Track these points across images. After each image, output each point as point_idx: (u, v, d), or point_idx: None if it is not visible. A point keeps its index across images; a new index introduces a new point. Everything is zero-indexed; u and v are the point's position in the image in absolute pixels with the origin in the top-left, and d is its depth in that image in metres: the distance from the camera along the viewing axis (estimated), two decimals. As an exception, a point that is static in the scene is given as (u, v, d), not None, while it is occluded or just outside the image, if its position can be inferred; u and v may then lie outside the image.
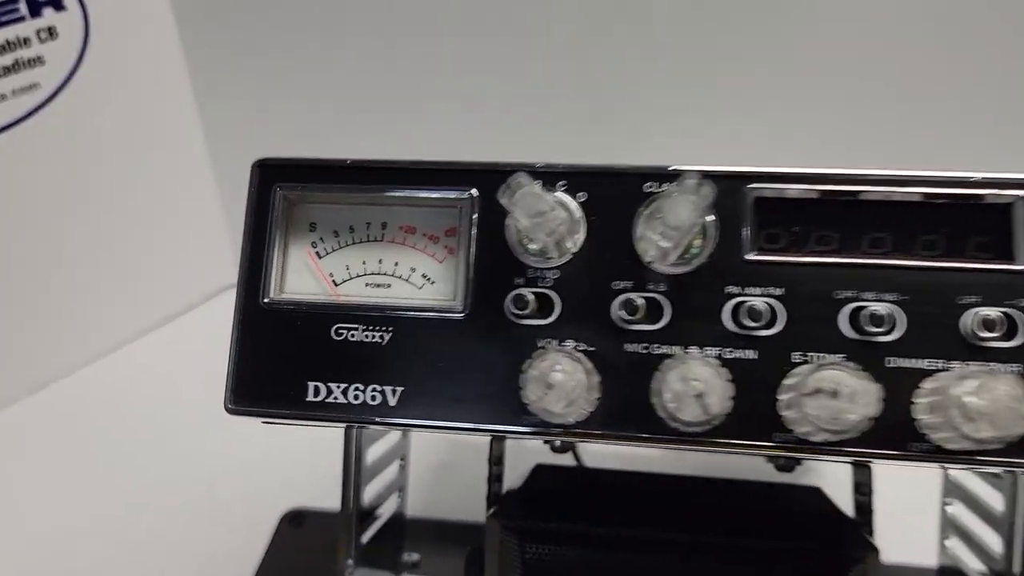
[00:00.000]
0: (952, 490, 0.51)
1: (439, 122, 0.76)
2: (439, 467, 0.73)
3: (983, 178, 0.30)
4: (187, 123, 0.85)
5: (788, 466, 0.46)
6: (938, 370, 0.29)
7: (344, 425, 0.33)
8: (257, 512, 0.69)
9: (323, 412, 0.32)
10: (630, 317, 0.31)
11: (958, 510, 0.51)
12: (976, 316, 0.29)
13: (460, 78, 0.72)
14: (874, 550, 0.41)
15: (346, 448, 0.45)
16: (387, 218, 0.34)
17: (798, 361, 0.30)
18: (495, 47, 0.71)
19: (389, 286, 0.34)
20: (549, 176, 0.32)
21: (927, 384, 0.29)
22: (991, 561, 0.45)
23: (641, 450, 0.60)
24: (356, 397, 0.32)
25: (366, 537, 0.51)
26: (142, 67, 0.78)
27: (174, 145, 0.85)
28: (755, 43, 0.68)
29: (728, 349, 0.30)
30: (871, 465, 0.46)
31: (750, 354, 0.30)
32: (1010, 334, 0.29)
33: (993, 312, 0.29)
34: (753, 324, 0.30)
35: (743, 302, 0.30)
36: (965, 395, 0.26)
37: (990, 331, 0.29)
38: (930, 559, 0.53)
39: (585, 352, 0.31)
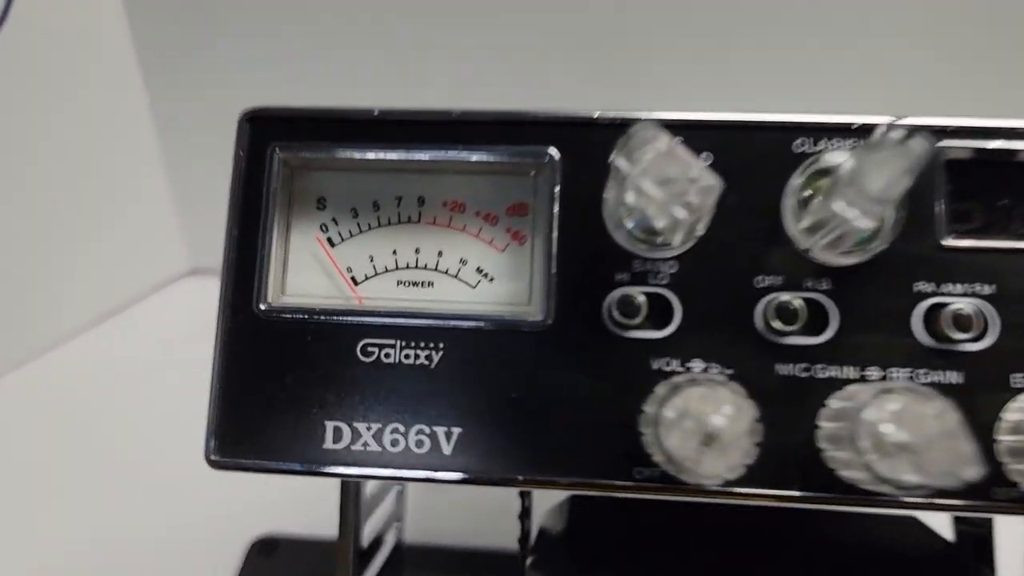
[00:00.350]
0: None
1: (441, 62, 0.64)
2: (428, 488, 0.64)
3: None
4: (132, 94, 0.73)
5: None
6: None
7: (379, 478, 0.24)
8: (219, 538, 0.59)
9: (348, 463, 0.23)
10: (784, 327, 0.22)
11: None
12: None
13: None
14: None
15: (343, 483, 0.36)
16: (426, 191, 0.25)
17: (1020, 386, 0.21)
18: None
19: (431, 284, 0.25)
20: (672, 127, 0.22)
21: None
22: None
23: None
24: (395, 443, 0.23)
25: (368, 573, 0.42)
26: (74, 21, 0.66)
27: (116, 121, 0.73)
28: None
29: (923, 371, 0.22)
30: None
31: (953, 377, 0.22)
32: None
33: None
34: (959, 336, 0.22)
35: (942, 304, 0.22)
36: None
37: None
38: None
39: (726, 378, 0.22)
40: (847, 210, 0.20)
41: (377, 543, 0.45)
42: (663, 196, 0.20)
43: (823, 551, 0.37)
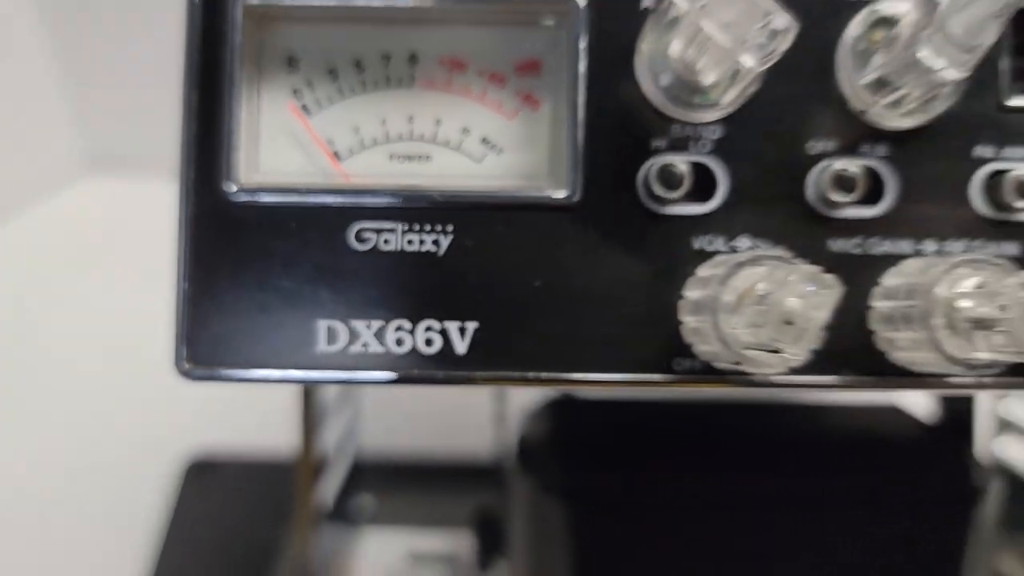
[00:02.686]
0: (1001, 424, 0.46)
1: None
2: (376, 400, 0.61)
3: None
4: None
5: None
6: None
7: (383, 381, 0.20)
8: (147, 456, 0.55)
9: (346, 367, 0.20)
10: (839, 198, 0.20)
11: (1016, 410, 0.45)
12: None
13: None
14: (989, 475, 0.34)
15: (305, 403, 0.33)
16: (418, 46, 0.21)
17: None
18: None
19: (428, 158, 0.21)
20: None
21: None
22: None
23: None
24: (400, 342, 0.20)
25: (327, 491, 0.41)
26: None
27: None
28: None
29: (979, 241, 0.20)
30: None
31: (1013, 249, 0.20)
32: None
33: None
34: (1021, 204, 0.20)
35: (1004, 171, 0.20)
36: None
37: None
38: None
39: (787, 257, 0.19)
40: (933, 59, 0.17)
41: (332, 457, 0.43)
42: (730, 41, 0.17)
43: (807, 441, 0.37)
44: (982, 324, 0.17)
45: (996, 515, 0.34)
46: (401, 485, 0.54)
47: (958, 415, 0.39)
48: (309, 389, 0.35)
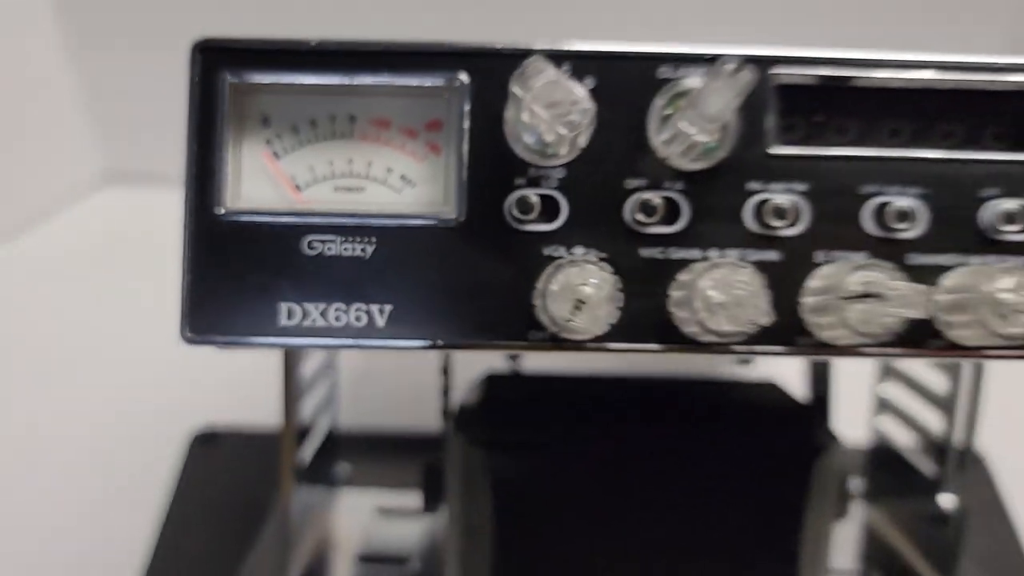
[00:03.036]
0: (890, 372, 0.54)
1: None
2: (361, 376, 0.70)
3: (1005, 63, 0.29)
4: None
5: (748, 360, 0.46)
6: (956, 265, 0.28)
7: (326, 346, 0.29)
8: (160, 432, 0.64)
9: (299, 336, 0.28)
10: (646, 219, 0.28)
11: (893, 392, 0.53)
12: (996, 209, 0.28)
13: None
14: (834, 438, 0.42)
15: (286, 364, 0.42)
16: (356, 110, 0.29)
17: (819, 261, 0.28)
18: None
19: (363, 190, 0.29)
20: (557, 56, 0.28)
21: (946, 281, 0.28)
22: (928, 435, 0.48)
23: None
24: (338, 318, 0.28)
25: (306, 454, 0.49)
26: None
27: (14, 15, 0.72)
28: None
29: (750, 250, 0.28)
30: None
31: (772, 255, 0.28)
32: (1029, 227, 0.28)
33: (1013, 204, 0.28)
34: (778, 223, 0.28)
35: (766, 200, 0.28)
36: (998, 292, 0.26)
37: (1010, 224, 0.28)
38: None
39: (598, 260, 0.28)
40: (688, 128, 0.25)
41: (312, 428, 0.51)
42: (549, 117, 0.25)
43: (692, 407, 0.45)
44: (723, 306, 0.26)
45: (837, 470, 0.41)
46: (374, 454, 0.61)
47: (821, 394, 0.47)
48: (290, 365, 0.44)
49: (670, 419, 0.43)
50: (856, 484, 0.59)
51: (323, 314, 0.28)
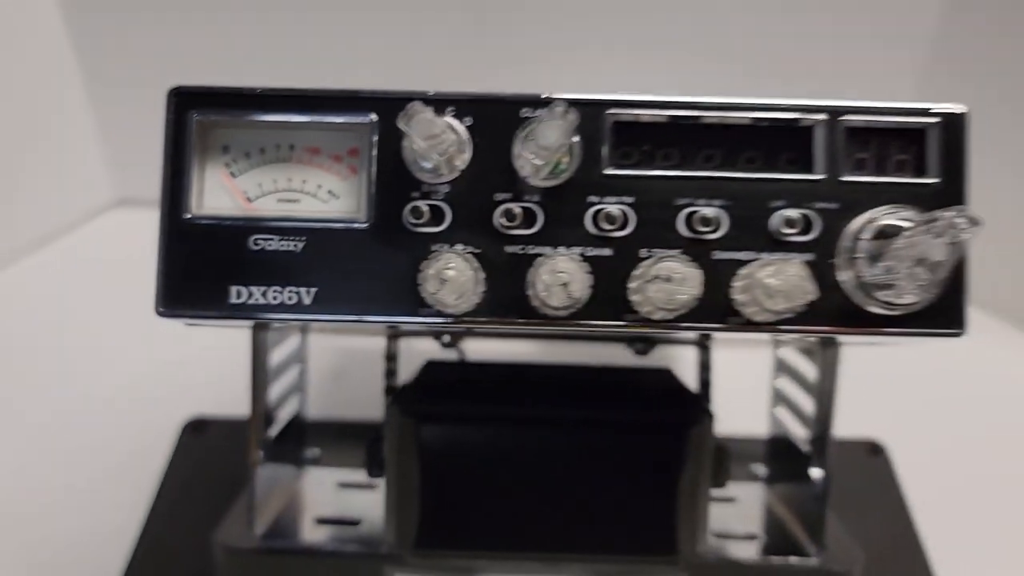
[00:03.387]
0: (780, 367, 0.62)
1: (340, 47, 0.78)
2: (337, 375, 0.79)
3: (791, 104, 0.38)
4: (55, 38, 0.83)
5: (644, 350, 0.55)
6: (750, 260, 0.37)
7: (259, 323, 0.38)
8: (158, 421, 0.73)
9: (245, 312, 0.37)
10: (509, 223, 0.37)
11: (784, 384, 0.61)
12: (781, 216, 0.37)
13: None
14: (709, 415, 0.50)
15: (254, 350, 0.50)
16: (294, 140, 0.39)
17: (644, 256, 0.37)
18: None
19: (299, 201, 0.38)
20: (440, 103, 0.37)
21: (741, 271, 0.36)
22: (808, 424, 0.56)
23: (521, 347, 0.68)
24: (275, 298, 0.37)
25: (273, 432, 0.57)
26: None
27: (42, 61, 0.83)
28: None
29: (589, 248, 0.37)
30: (709, 346, 0.55)
31: (606, 251, 0.37)
32: (806, 230, 0.37)
33: (795, 213, 0.37)
34: (609, 227, 0.37)
35: (601, 209, 0.37)
36: (766, 277, 0.34)
37: (791, 228, 0.37)
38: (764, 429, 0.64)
39: (472, 253, 0.37)
40: (529, 156, 0.34)
41: (281, 407, 0.59)
42: (426, 147, 0.34)
43: (594, 387, 0.53)
44: (563, 288, 0.34)
45: (709, 441, 0.49)
46: (342, 440, 0.69)
47: (705, 379, 0.55)
48: (257, 353, 0.52)
49: (575, 399, 0.51)
50: (759, 468, 0.67)
51: (263, 295, 0.37)
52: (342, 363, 0.77)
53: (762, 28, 0.78)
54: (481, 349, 0.68)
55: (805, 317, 0.36)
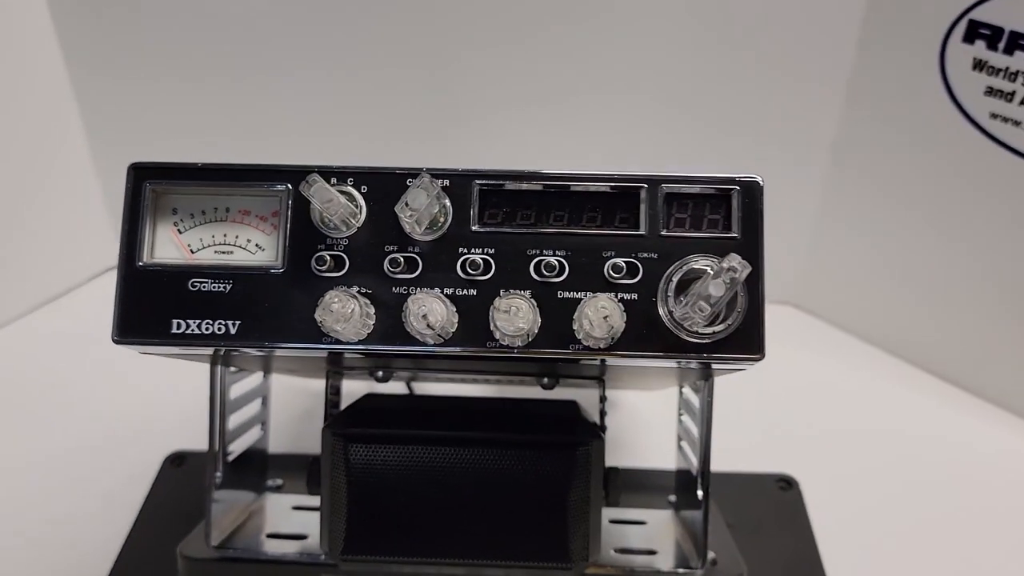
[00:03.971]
0: (683, 405, 0.70)
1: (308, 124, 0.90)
2: (301, 414, 0.88)
3: (622, 175, 0.47)
4: (66, 118, 0.95)
5: (550, 385, 0.63)
6: (585, 298, 0.45)
7: (201, 351, 0.47)
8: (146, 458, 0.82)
9: (184, 341, 0.46)
10: (395, 270, 0.46)
11: (686, 420, 0.69)
12: (612, 263, 0.46)
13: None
14: (599, 438, 0.57)
15: (212, 382, 0.59)
16: (229, 204, 0.48)
17: (501, 295, 0.46)
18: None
19: (232, 252, 0.48)
20: (342, 175, 0.47)
21: (578, 307, 0.45)
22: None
23: (454, 386, 0.77)
24: (207, 329, 0.46)
25: (231, 457, 0.65)
26: (16, 62, 0.89)
27: (53, 138, 0.95)
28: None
29: (458, 289, 0.46)
30: (604, 380, 0.63)
31: (472, 292, 0.46)
32: (632, 275, 0.46)
33: (623, 261, 0.46)
34: (474, 273, 0.46)
35: (468, 258, 0.46)
36: (589, 312, 0.43)
37: (619, 273, 0.46)
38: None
39: (364, 293, 0.46)
40: (404, 215, 0.44)
41: (243, 436, 0.67)
42: (323, 209, 0.44)
43: (506, 420, 0.61)
44: (428, 319, 0.43)
45: (596, 462, 0.56)
46: (303, 470, 0.77)
47: (602, 411, 0.63)
48: (215, 384, 0.61)
49: (485, 423, 0.59)
50: (672, 497, 0.74)
51: (198, 326, 0.46)
52: (306, 403, 0.86)
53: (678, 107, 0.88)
54: (426, 388, 0.77)
55: (634, 345, 0.45)
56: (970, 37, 0.75)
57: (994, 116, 0.77)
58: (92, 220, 1.02)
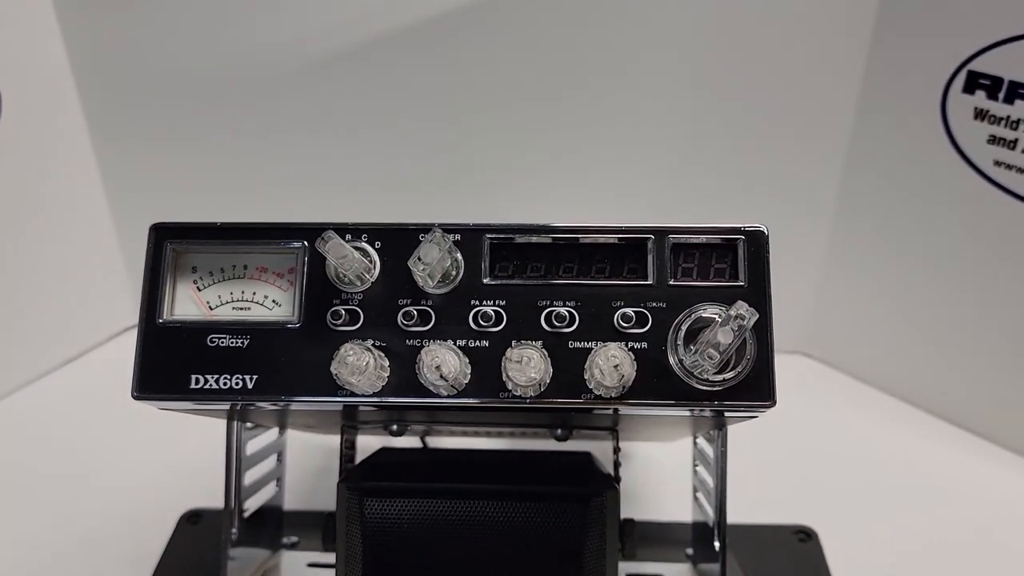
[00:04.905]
0: (698, 455, 0.70)
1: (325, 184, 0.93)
2: (316, 471, 0.88)
3: (627, 226, 0.48)
4: (88, 184, 0.98)
5: (563, 437, 0.63)
6: (596, 348, 0.46)
7: (219, 406, 0.48)
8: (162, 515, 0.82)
9: (203, 396, 0.47)
10: (408, 323, 0.47)
11: (701, 471, 0.69)
12: (621, 313, 0.46)
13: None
14: (613, 489, 0.58)
15: (228, 437, 0.60)
16: (247, 261, 0.50)
17: (512, 346, 0.47)
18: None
19: (249, 308, 0.49)
20: (356, 231, 0.48)
21: (589, 357, 0.46)
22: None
23: (468, 440, 0.77)
24: (224, 384, 0.47)
25: (247, 514, 0.65)
26: (41, 128, 0.93)
27: (76, 202, 0.98)
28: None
29: (470, 340, 0.47)
30: (618, 431, 0.63)
31: (484, 343, 0.47)
32: (641, 324, 0.46)
33: (632, 311, 0.46)
34: (485, 324, 0.47)
35: (480, 310, 0.47)
36: (600, 361, 0.44)
37: (628, 323, 0.46)
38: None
39: (378, 346, 0.47)
40: (416, 269, 0.45)
41: (259, 492, 0.68)
42: (338, 265, 0.45)
43: (521, 472, 0.61)
44: (440, 374, 0.44)
45: (612, 513, 0.56)
46: (316, 526, 0.78)
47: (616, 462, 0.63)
48: (231, 440, 0.62)
49: (501, 477, 0.60)
50: (690, 551, 0.73)
51: (216, 381, 0.47)
52: (323, 460, 0.86)
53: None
54: (441, 442, 0.78)
55: (645, 394, 0.45)
56: (970, 87, 0.77)
57: (998, 164, 0.78)
58: (112, 281, 1.04)
